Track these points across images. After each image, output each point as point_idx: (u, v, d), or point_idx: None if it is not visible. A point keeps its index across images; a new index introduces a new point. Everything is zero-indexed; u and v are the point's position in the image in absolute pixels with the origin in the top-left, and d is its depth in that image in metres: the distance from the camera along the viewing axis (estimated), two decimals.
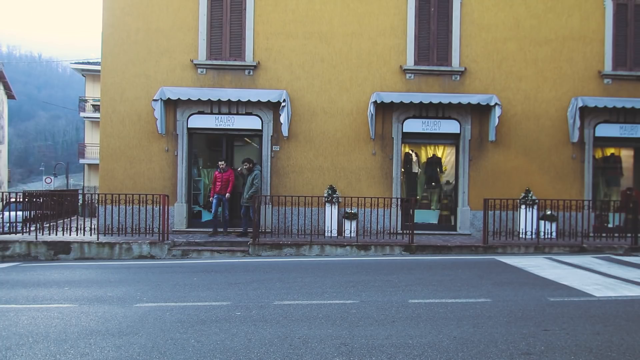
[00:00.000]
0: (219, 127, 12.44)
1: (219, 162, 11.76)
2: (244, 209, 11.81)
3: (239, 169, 11.92)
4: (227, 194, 11.74)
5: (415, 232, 11.16)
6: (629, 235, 11.24)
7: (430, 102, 11.95)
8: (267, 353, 4.40)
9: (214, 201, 11.81)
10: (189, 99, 12.04)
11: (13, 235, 11.56)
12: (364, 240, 11.13)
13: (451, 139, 12.76)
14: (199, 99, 12.06)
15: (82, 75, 35.95)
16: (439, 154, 13.38)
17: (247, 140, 13.27)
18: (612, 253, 10.62)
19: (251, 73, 12.42)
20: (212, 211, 11.96)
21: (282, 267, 8.90)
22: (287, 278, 7.79)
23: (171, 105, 12.30)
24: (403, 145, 12.74)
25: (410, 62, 12.49)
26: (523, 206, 11.78)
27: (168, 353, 4.44)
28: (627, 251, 10.76)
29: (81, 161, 37.30)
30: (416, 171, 13.30)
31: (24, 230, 11.58)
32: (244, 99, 11.98)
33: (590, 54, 12.62)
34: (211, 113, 12.39)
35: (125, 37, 12.38)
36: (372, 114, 11.95)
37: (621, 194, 13.20)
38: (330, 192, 11.91)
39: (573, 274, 8.06)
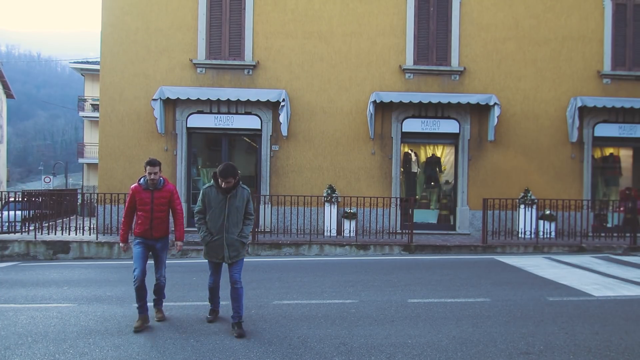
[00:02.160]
0: (218, 126, 12.43)
1: (148, 166, 5.38)
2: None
3: (224, 182, 5.00)
4: (179, 243, 5.66)
5: (414, 231, 11.16)
6: (627, 235, 11.25)
7: (430, 102, 11.95)
8: (267, 352, 4.40)
9: (138, 251, 5.36)
10: (188, 98, 12.03)
11: (12, 234, 11.55)
12: (363, 239, 11.13)
13: (450, 139, 12.76)
14: (198, 99, 12.05)
15: (81, 74, 35.88)
16: (438, 154, 13.38)
17: (247, 139, 13.26)
18: (611, 253, 10.63)
19: (250, 72, 12.41)
20: (135, 279, 5.22)
21: (281, 267, 8.90)
22: (286, 278, 7.79)
23: (170, 104, 12.28)
24: (402, 144, 12.74)
25: (409, 62, 12.49)
26: (522, 206, 11.78)
27: (167, 352, 4.44)
28: (625, 251, 10.77)
29: (80, 160, 37.27)
30: (415, 171, 13.29)
31: (23, 230, 11.57)
32: (243, 99, 11.97)
33: (590, 54, 12.63)
34: (210, 112, 12.38)
35: (124, 37, 12.37)
36: (371, 114, 11.95)
37: (620, 194, 13.21)
38: (329, 191, 11.91)
39: (572, 274, 8.07)
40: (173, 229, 5.65)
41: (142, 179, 5.42)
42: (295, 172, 12.41)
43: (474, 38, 12.53)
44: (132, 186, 5.42)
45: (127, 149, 12.27)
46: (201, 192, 5.11)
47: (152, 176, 5.31)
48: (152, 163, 5.32)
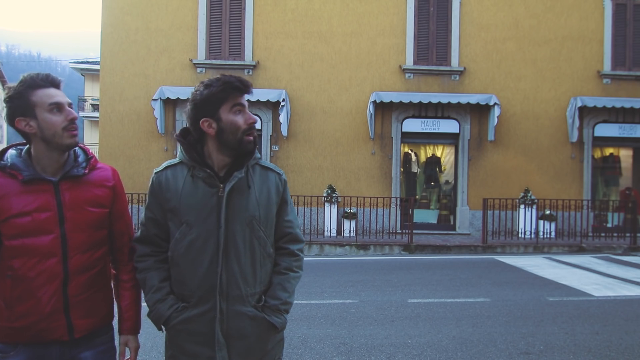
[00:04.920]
0: None
1: (46, 88, 1.73)
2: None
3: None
4: (130, 340, 1.95)
5: (414, 231, 11.14)
6: (627, 235, 11.24)
7: (430, 102, 11.94)
8: None
9: None
10: (188, 98, 11.98)
11: None
12: (363, 239, 11.12)
13: (450, 139, 12.76)
14: None
15: (81, 74, 35.92)
16: (438, 154, 13.38)
17: None
18: (611, 253, 10.63)
19: (250, 72, 12.41)
20: None
21: None
22: None
23: (170, 104, 12.28)
24: (402, 144, 12.73)
25: (409, 62, 12.48)
26: (522, 206, 11.78)
27: None
28: (626, 251, 10.77)
29: None
30: (415, 171, 13.30)
31: None
32: None
33: (590, 54, 12.62)
34: None
35: (124, 37, 12.36)
36: (371, 114, 11.94)
37: (620, 194, 13.21)
38: (329, 191, 11.91)
39: (572, 274, 8.06)
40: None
41: (9, 154, 1.77)
42: (295, 172, 12.40)
43: (474, 38, 12.53)
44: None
45: (127, 149, 12.27)
46: (150, 186, 1.94)
47: (69, 119, 1.74)
48: (52, 80, 1.74)
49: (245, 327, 1.82)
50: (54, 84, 1.74)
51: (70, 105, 1.75)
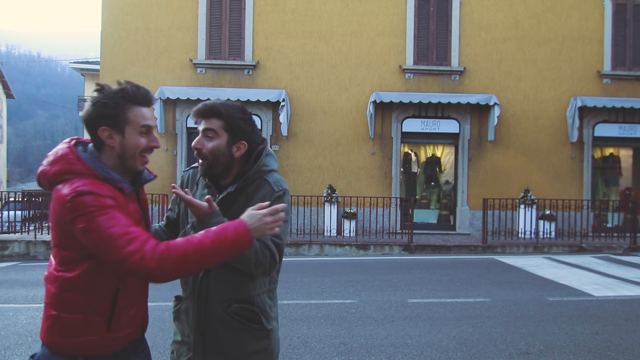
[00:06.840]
0: None
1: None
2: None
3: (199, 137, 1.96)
4: None
5: (414, 231, 11.14)
6: (627, 235, 11.24)
7: (430, 102, 11.94)
8: None
9: None
10: (188, 98, 12.02)
11: (12, 234, 11.54)
12: (363, 239, 11.12)
13: (450, 139, 12.76)
14: (198, 99, 12.01)
15: (81, 74, 35.81)
16: (438, 154, 13.38)
17: None
18: (611, 253, 10.63)
19: (250, 72, 12.41)
20: None
21: (281, 267, 8.88)
22: (286, 278, 7.78)
23: (170, 104, 12.28)
24: (402, 144, 12.73)
25: (409, 62, 12.48)
26: (522, 206, 11.77)
27: (167, 353, 4.43)
28: (626, 251, 10.77)
29: None
30: (415, 171, 13.30)
31: (23, 230, 11.56)
32: (243, 99, 11.96)
33: (590, 54, 12.62)
34: None
35: (124, 37, 12.36)
36: (371, 114, 11.94)
37: (620, 194, 13.21)
38: (329, 191, 11.90)
39: (572, 274, 8.07)
40: None
41: (100, 166, 1.65)
42: (295, 172, 12.40)
43: (474, 38, 12.53)
44: (85, 185, 1.55)
45: None
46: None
47: (151, 145, 1.72)
48: (150, 99, 1.78)
49: (217, 329, 1.92)
50: (149, 104, 1.71)
51: (156, 130, 1.73)
